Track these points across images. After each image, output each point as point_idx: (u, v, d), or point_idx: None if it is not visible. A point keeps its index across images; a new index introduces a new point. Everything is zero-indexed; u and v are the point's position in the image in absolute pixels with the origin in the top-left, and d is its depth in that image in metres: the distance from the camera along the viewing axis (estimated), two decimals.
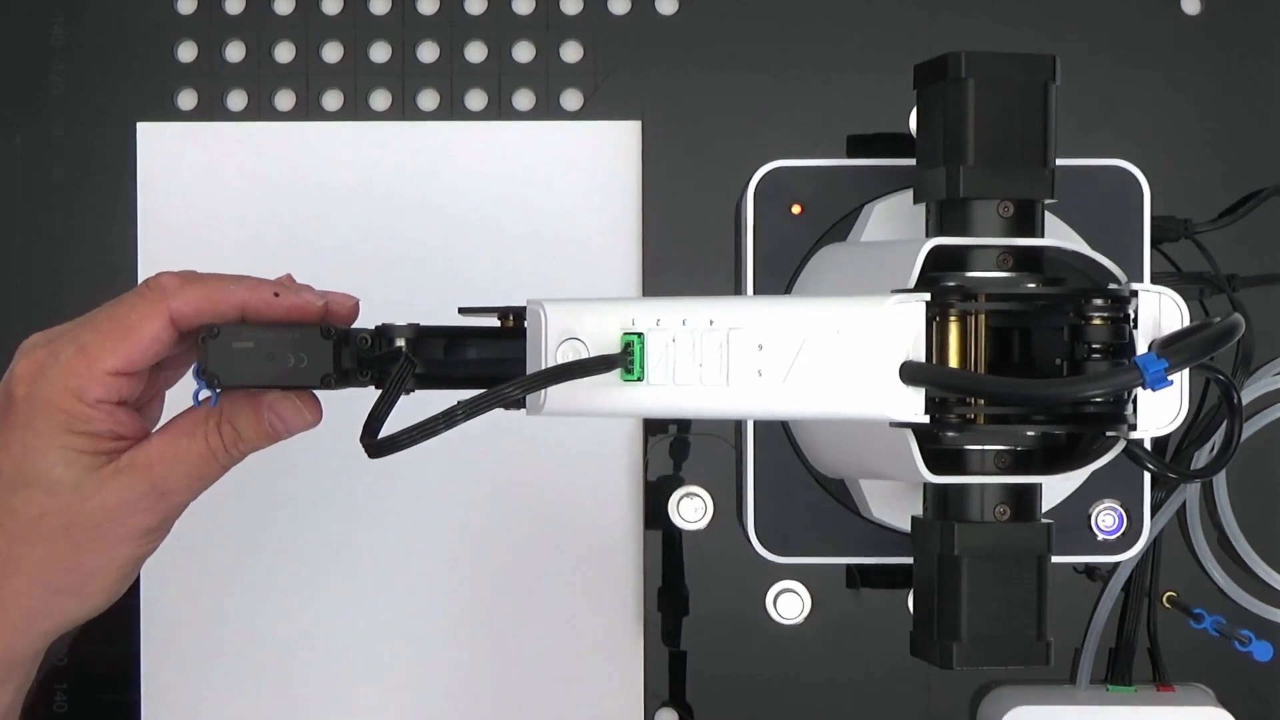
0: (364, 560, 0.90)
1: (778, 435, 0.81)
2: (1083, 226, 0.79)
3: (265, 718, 0.90)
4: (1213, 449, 0.86)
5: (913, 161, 0.73)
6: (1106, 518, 0.81)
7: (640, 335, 0.68)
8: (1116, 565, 0.86)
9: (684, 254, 0.88)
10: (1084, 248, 0.71)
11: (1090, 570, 0.87)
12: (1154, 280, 0.79)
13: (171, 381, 0.75)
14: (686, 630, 0.89)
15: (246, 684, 0.90)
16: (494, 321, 0.76)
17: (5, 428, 0.69)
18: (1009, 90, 0.70)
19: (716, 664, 0.89)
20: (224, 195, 0.90)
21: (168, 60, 0.90)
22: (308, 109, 0.90)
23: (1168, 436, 0.86)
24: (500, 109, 0.90)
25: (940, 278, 0.69)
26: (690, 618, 0.89)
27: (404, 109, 0.90)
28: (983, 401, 0.67)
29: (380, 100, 0.90)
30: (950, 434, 0.69)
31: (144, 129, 0.90)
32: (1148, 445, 0.75)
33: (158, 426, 0.72)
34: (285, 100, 0.90)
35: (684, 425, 0.88)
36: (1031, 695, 0.86)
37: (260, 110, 0.90)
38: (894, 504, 0.79)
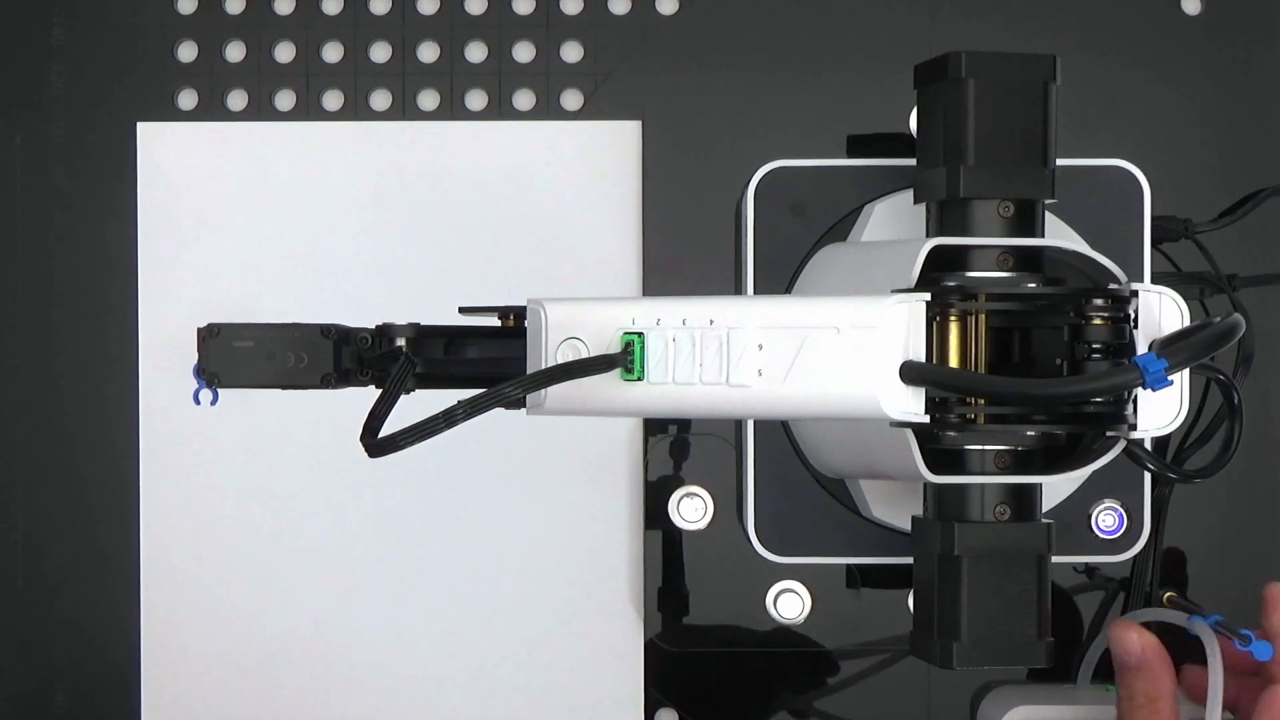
0: (363, 560, 0.90)
1: (778, 435, 0.81)
2: (1083, 226, 0.79)
3: (265, 718, 0.90)
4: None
5: (913, 161, 0.73)
6: (1106, 518, 0.81)
7: (640, 335, 0.68)
8: (1116, 565, 0.86)
9: (684, 254, 0.88)
10: (1084, 248, 0.71)
11: (1090, 570, 0.87)
12: (1154, 280, 0.78)
13: None
14: (686, 630, 0.89)
15: (246, 684, 0.90)
16: (494, 321, 0.76)
17: None
18: (1009, 90, 0.70)
19: (716, 664, 0.89)
20: (224, 195, 0.90)
21: (168, 60, 0.90)
22: (308, 109, 0.90)
23: (1168, 436, 0.86)
24: (500, 109, 0.90)
25: (940, 277, 0.69)
26: (690, 618, 0.89)
27: (404, 109, 0.90)
28: (983, 401, 0.67)
29: (380, 100, 0.90)
30: (950, 434, 0.69)
31: (144, 129, 0.90)
32: (1148, 445, 0.75)
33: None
34: (285, 100, 0.90)
35: (684, 425, 0.88)
36: (1031, 695, 0.85)
37: (260, 110, 0.90)
38: (894, 504, 0.79)
